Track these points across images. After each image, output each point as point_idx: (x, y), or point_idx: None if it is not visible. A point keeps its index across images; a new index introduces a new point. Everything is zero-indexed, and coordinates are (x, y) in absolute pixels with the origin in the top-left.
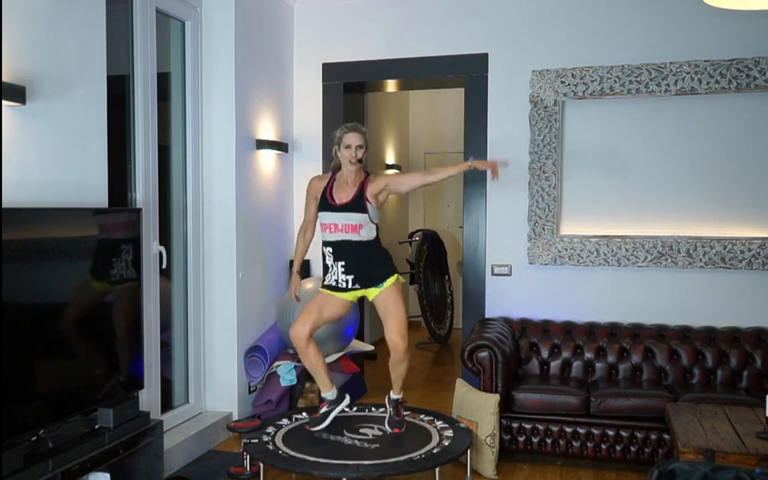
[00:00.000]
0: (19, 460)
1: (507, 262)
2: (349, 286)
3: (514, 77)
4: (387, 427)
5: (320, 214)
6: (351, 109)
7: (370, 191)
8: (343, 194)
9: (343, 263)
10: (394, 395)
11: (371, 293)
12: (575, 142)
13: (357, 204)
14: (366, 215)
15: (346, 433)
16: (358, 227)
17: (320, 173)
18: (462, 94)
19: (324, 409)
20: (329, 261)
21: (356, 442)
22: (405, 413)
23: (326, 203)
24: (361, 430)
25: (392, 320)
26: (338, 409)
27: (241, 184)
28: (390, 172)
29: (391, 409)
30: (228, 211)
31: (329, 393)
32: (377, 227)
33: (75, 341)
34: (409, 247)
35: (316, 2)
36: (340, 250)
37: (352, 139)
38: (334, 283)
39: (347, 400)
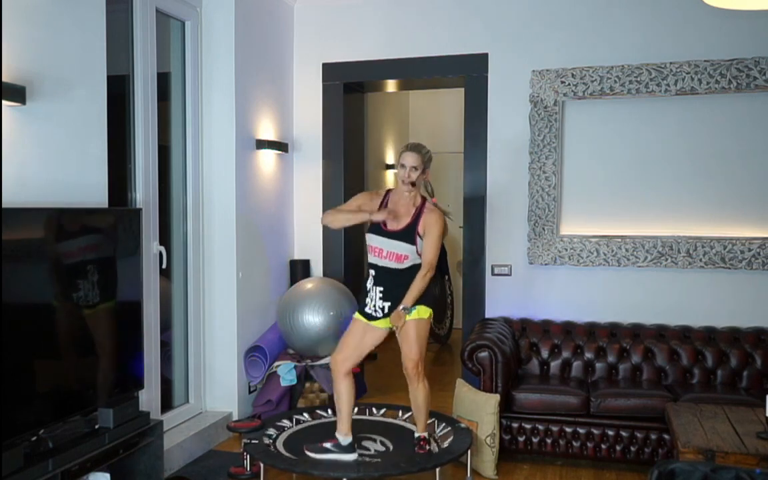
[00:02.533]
0: (19, 460)
1: (507, 262)
2: (386, 312)
3: (514, 77)
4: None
5: (369, 235)
6: (351, 109)
7: (423, 224)
8: (395, 221)
9: (381, 289)
10: (417, 434)
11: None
12: (575, 142)
13: (407, 234)
14: (414, 247)
15: None
16: (403, 257)
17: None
18: (462, 94)
19: (329, 446)
20: (370, 284)
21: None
22: (406, 415)
23: (377, 226)
24: (364, 444)
25: (409, 347)
26: (341, 457)
27: (241, 184)
28: (389, 177)
29: (416, 449)
30: (228, 211)
31: (343, 437)
32: (419, 258)
33: (75, 341)
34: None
35: (316, 2)
36: (382, 275)
37: (408, 158)
38: (372, 312)
39: (354, 456)
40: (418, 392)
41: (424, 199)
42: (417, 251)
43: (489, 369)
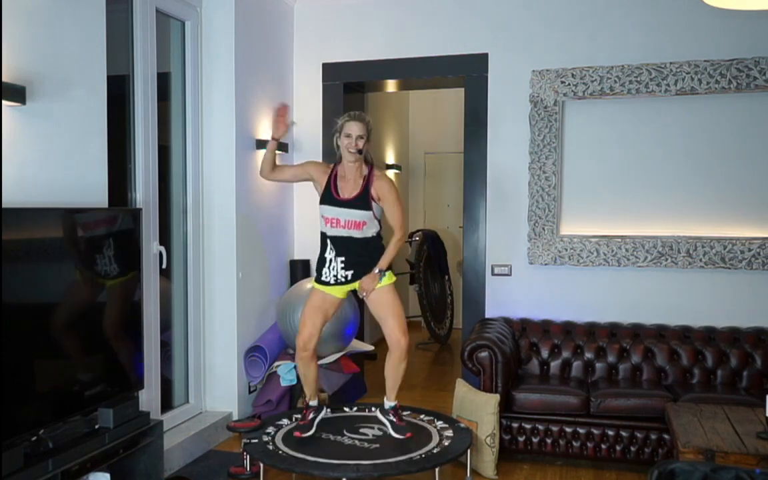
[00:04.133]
0: (19, 460)
1: (507, 262)
2: (349, 279)
3: (514, 77)
4: (395, 435)
5: (322, 207)
6: (351, 109)
7: (375, 191)
8: (347, 188)
9: (343, 258)
10: (390, 403)
11: None
12: (575, 142)
13: (362, 200)
14: (370, 212)
15: (346, 433)
16: (361, 224)
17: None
18: (462, 94)
19: (311, 416)
20: (330, 254)
21: (356, 442)
22: (405, 413)
23: (330, 197)
24: (361, 430)
25: (393, 318)
26: (320, 416)
27: (241, 184)
28: (391, 173)
29: (393, 419)
30: (228, 211)
31: (315, 401)
32: (380, 223)
33: (75, 341)
34: (409, 247)
35: (316, 2)
36: (341, 245)
37: (353, 127)
38: (332, 280)
39: (325, 410)
40: (402, 365)
41: (370, 167)
42: (374, 216)
43: (489, 369)
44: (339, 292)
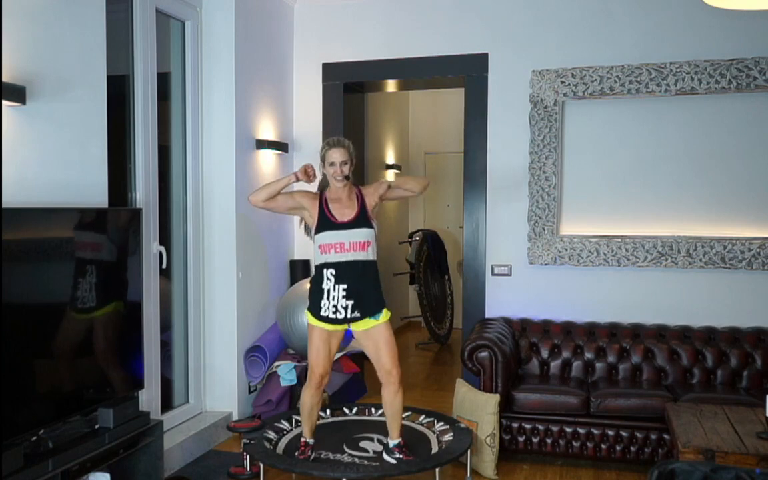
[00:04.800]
0: (19, 460)
1: (507, 262)
2: (348, 314)
3: (514, 77)
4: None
5: (322, 235)
6: (351, 109)
7: (370, 205)
8: (344, 211)
9: (345, 287)
10: (393, 442)
11: (365, 324)
12: (575, 142)
13: (363, 219)
14: (372, 231)
15: (346, 449)
16: (366, 245)
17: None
18: (462, 94)
19: (310, 453)
20: (328, 285)
21: (356, 459)
22: (406, 414)
23: (328, 222)
24: (361, 445)
25: (388, 351)
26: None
27: (241, 184)
28: (391, 173)
29: (399, 456)
30: (228, 211)
31: (312, 440)
32: (377, 244)
33: (75, 341)
34: (409, 247)
35: (316, 2)
36: (345, 271)
37: (335, 155)
38: (331, 314)
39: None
40: (398, 397)
41: (357, 186)
42: (375, 234)
43: (489, 369)
44: (339, 326)
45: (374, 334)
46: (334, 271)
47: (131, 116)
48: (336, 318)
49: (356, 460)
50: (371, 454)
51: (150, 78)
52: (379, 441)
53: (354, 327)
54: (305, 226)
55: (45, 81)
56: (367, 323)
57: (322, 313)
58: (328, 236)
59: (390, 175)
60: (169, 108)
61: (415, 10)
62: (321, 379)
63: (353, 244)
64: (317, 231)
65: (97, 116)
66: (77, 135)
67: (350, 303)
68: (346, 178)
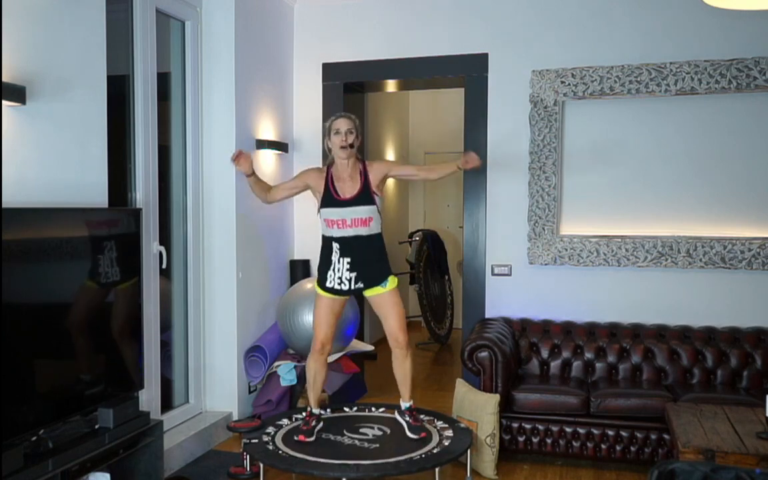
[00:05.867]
0: (19, 460)
1: (507, 262)
2: (353, 285)
3: (514, 77)
4: (411, 435)
5: (325, 210)
6: (351, 109)
7: (374, 181)
8: (346, 187)
9: (349, 260)
10: (405, 404)
11: (373, 291)
12: (575, 142)
13: (365, 196)
14: (375, 207)
15: (346, 433)
16: (368, 220)
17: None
18: (462, 94)
19: (314, 423)
20: (334, 257)
21: (356, 442)
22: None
23: (331, 199)
24: (362, 430)
25: (394, 317)
26: (320, 425)
27: (241, 184)
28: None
29: (408, 419)
30: (228, 211)
31: (318, 410)
32: (381, 217)
33: (75, 341)
34: (409, 247)
35: (316, 2)
36: (348, 245)
37: (341, 123)
38: (336, 285)
39: (324, 412)
40: (407, 362)
41: (363, 162)
42: (378, 210)
43: (489, 369)
44: (342, 295)
45: (382, 301)
46: (338, 245)
47: (131, 116)
48: (341, 289)
49: (356, 442)
50: (371, 436)
51: (150, 78)
52: (380, 428)
53: (365, 293)
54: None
55: (45, 81)
56: (375, 290)
57: (328, 285)
58: (331, 212)
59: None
60: (169, 108)
61: (415, 10)
62: (322, 346)
63: (354, 221)
64: (321, 206)
65: (97, 116)
66: (77, 135)
67: (353, 275)
68: (350, 146)
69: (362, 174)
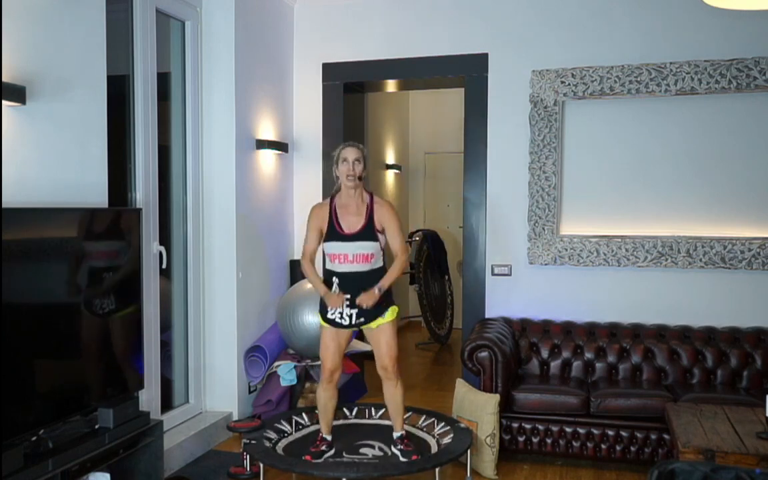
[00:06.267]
0: (19, 460)
1: (507, 262)
2: (353, 321)
3: (514, 77)
4: (403, 459)
5: (328, 244)
6: (351, 109)
7: (377, 224)
8: (351, 221)
9: (348, 296)
10: (397, 433)
11: (374, 323)
12: (575, 142)
13: (368, 232)
14: (377, 243)
15: (345, 455)
16: (369, 257)
17: (320, 193)
18: (462, 94)
19: (324, 448)
20: (335, 291)
21: (355, 459)
22: (406, 415)
23: (335, 232)
24: (362, 451)
25: (385, 347)
26: (329, 454)
27: (241, 184)
28: (391, 173)
29: (400, 447)
30: (228, 211)
31: (329, 436)
32: (384, 254)
33: (75, 341)
34: (409, 247)
35: (316, 2)
36: (348, 281)
37: (349, 153)
38: (337, 319)
39: (333, 450)
40: (397, 391)
41: (371, 194)
42: (380, 247)
43: (489, 369)
44: (345, 330)
45: (378, 332)
46: (338, 280)
47: (131, 116)
48: (341, 323)
49: (356, 460)
50: (370, 456)
51: (150, 78)
52: (380, 448)
53: (363, 328)
54: None
55: (45, 81)
56: (375, 322)
57: (329, 316)
58: (334, 246)
59: (390, 175)
60: (169, 108)
61: (415, 10)
62: (331, 374)
63: (357, 257)
64: (325, 239)
65: (97, 116)
66: (77, 135)
67: (354, 312)
68: (359, 179)
69: (369, 208)
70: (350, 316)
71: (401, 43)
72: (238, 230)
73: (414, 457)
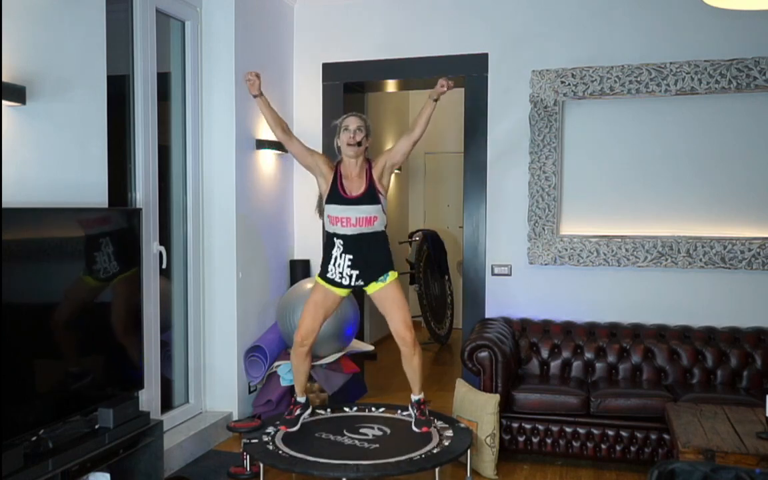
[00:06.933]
0: (19, 460)
1: (507, 262)
2: (353, 282)
3: (514, 77)
4: (414, 429)
5: (330, 206)
6: (351, 109)
7: (377, 177)
8: (353, 186)
9: (351, 257)
10: (415, 396)
11: (372, 287)
12: (575, 142)
13: (370, 196)
14: (380, 206)
15: (346, 433)
16: (372, 220)
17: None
18: (462, 94)
19: (298, 412)
20: (337, 252)
21: (356, 442)
22: (405, 413)
23: (338, 196)
24: (362, 430)
25: (398, 312)
26: (306, 414)
27: (241, 184)
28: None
29: (415, 412)
30: (228, 211)
31: (302, 398)
32: (385, 215)
33: (75, 341)
34: (409, 247)
35: (316, 2)
36: (352, 243)
37: (351, 121)
38: (337, 279)
39: (310, 410)
40: (416, 358)
41: (369, 161)
42: (383, 209)
43: (489, 369)
44: (342, 291)
45: (383, 297)
46: (341, 242)
47: (131, 116)
48: (341, 283)
49: (356, 442)
50: (371, 437)
51: (150, 78)
52: (380, 429)
53: (367, 291)
54: (318, 205)
55: (45, 81)
56: (374, 286)
57: (329, 276)
58: (336, 209)
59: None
60: (169, 108)
61: (415, 10)
62: (303, 339)
63: (359, 220)
64: (327, 201)
65: (97, 116)
66: (77, 135)
67: (355, 272)
68: (358, 144)
69: (368, 172)
70: (350, 276)
71: (401, 43)
72: (238, 230)
73: (424, 430)
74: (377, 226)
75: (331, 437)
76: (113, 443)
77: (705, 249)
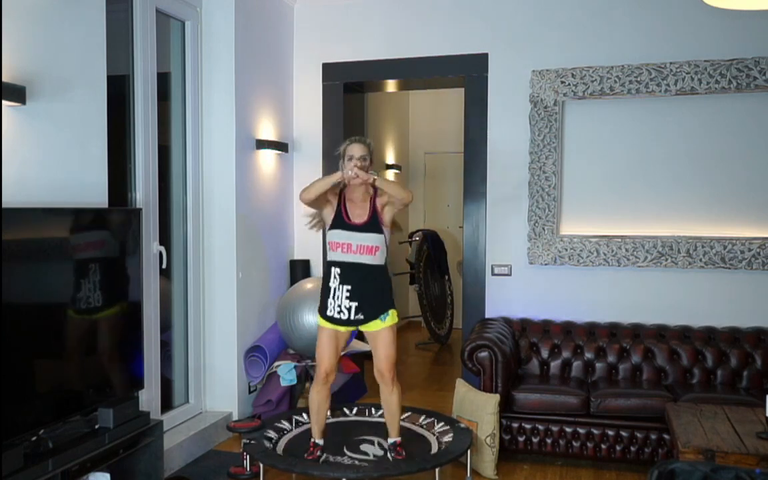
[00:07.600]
0: (19, 460)
1: (507, 262)
2: (351, 316)
3: (514, 77)
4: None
5: (333, 232)
6: (351, 109)
7: (379, 206)
8: (357, 212)
9: (348, 287)
10: (391, 439)
11: (373, 326)
12: (575, 142)
13: (374, 224)
14: (382, 236)
15: (347, 452)
16: (374, 249)
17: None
18: (462, 94)
19: (319, 453)
20: (334, 283)
21: (356, 462)
22: (405, 414)
23: (342, 221)
24: (362, 448)
25: (385, 350)
26: (323, 459)
27: (241, 184)
28: (391, 173)
29: (392, 455)
30: (228, 211)
31: (321, 440)
32: (388, 250)
33: (75, 341)
34: (409, 247)
35: (316, 2)
36: (350, 272)
37: (355, 149)
38: (336, 315)
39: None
40: (394, 396)
41: (375, 190)
42: (385, 241)
43: (489, 369)
44: (345, 329)
45: (377, 336)
46: (339, 271)
47: (131, 116)
48: (340, 319)
49: (356, 462)
50: (371, 457)
51: (150, 78)
52: (380, 444)
53: (361, 327)
54: (314, 222)
55: (45, 81)
56: (374, 325)
57: (328, 313)
58: (338, 235)
59: (390, 174)
60: (169, 108)
61: (415, 10)
62: (326, 376)
63: (360, 247)
64: (331, 227)
65: (97, 116)
66: (77, 135)
67: (354, 305)
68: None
69: (372, 201)
70: (349, 309)
71: (401, 43)
72: (238, 230)
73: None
74: (378, 259)
75: (330, 458)
76: (113, 443)
77: (705, 249)
